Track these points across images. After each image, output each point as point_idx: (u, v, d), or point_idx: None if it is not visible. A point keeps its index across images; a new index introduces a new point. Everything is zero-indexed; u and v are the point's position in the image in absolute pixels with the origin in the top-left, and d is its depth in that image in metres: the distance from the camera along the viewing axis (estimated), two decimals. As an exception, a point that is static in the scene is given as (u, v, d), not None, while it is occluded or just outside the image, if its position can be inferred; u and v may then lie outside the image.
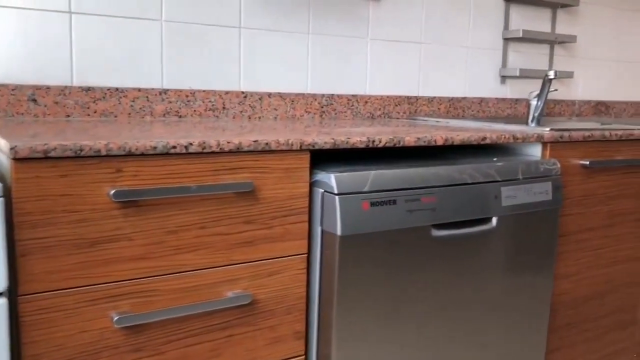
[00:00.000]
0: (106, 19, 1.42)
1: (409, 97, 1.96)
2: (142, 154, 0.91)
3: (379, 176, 1.09)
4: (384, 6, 1.87)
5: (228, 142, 0.97)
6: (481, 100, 2.14)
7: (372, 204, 1.07)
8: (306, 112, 1.75)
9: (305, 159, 1.07)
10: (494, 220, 1.27)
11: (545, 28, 2.30)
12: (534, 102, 2.01)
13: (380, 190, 1.09)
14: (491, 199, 1.25)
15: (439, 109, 2.03)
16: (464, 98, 2.09)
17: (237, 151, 0.99)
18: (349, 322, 1.09)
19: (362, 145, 1.12)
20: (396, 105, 1.93)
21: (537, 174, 1.34)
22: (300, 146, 1.05)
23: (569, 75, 2.28)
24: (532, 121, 2.03)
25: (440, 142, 1.23)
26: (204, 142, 0.95)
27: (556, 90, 2.01)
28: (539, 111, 2.01)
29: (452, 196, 1.18)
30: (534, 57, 2.28)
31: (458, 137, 1.26)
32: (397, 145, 1.17)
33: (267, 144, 1.01)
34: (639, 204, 1.68)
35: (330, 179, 1.05)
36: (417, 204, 1.13)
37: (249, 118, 1.65)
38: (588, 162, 1.49)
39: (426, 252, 1.17)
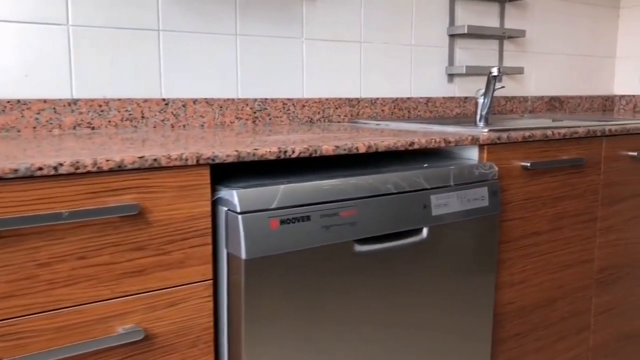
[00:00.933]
0: (2, 25, 1.30)
1: (350, 99, 1.86)
2: (1, 179, 0.79)
3: (289, 190, 0.99)
4: (319, 4, 1.77)
5: (107, 161, 0.86)
6: (428, 100, 2.05)
7: (282, 222, 0.97)
8: (237, 118, 1.65)
9: (205, 174, 0.97)
10: (425, 231, 1.18)
11: (494, 23, 2.23)
12: (480, 101, 1.93)
13: (291, 205, 0.99)
14: (419, 208, 1.16)
15: (382, 110, 1.94)
16: (409, 98, 2.00)
17: (119, 170, 0.88)
18: (260, 353, 0.99)
19: (273, 157, 1.02)
20: (336, 108, 1.84)
21: (471, 179, 1.25)
22: (197, 161, 0.94)
23: (519, 71, 2.21)
24: (480, 120, 1.95)
25: (362, 150, 1.13)
26: (78, 162, 0.84)
27: (503, 87, 1.94)
28: (486, 109, 1.93)
29: (375, 208, 1.09)
30: (482, 54, 2.20)
31: (383, 144, 1.17)
32: (313, 155, 1.07)
33: (155, 159, 0.90)
34: (586, 205, 1.61)
35: (233, 196, 0.95)
36: (335, 219, 1.03)
37: (172, 127, 1.53)
38: (529, 164, 1.41)
39: (349, 270, 1.08)
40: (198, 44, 1.57)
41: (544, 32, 2.39)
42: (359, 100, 1.88)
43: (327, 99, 1.81)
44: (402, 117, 2.00)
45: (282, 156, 1.03)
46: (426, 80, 2.06)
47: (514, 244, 1.45)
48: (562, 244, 1.56)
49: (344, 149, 1.11)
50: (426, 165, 1.24)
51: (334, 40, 1.82)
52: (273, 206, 0.97)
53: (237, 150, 0.98)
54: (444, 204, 1.19)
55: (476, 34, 2.08)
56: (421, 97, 2.03)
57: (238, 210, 0.94)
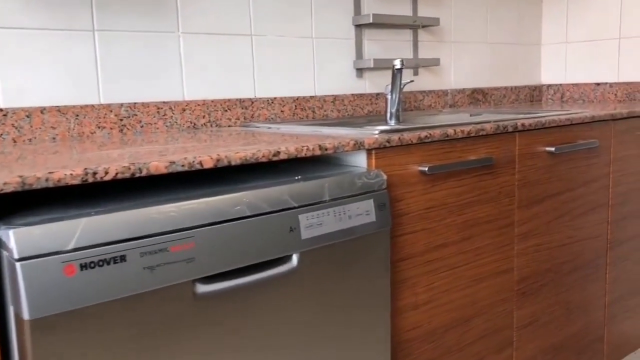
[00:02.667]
0: None
1: (241, 100, 1.65)
2: None
3: (94, 224, 0.77)
4: (198, -7, 1.55)
5: None
6: (335, 98, 1.86)
7: (83, 267, 0.75)
8: (99, 127, 1.41)
9: (-26, 210, 0.74)
10: (295, 258, 0.98)
11: (406, 11, 2.05)
12: (389, 97, 1.75)
13: (97, 244, 0.77)
14: (285, 232, 0.95)
15: (282, 111, 1.74)
16: (312, 97, 1.80)
17: None
18: None
19: (76, 181, 0.80)
20: (226, 111, 1.62)
21: (352, 192, 1.06)
22: (-43, 194, 0.71)
23: (435, 62, 2.05)
24: (390, 118, 1.77)
25: (208, 165, 0.92)
26: None
27: (412, 81, 1.76)
28: (395, 106, 1.75)
29: (221, 238, 0.88)
30: (394, 45, 2.03)
31: (237, 156, 0.96)
32: (137, 175, 0.85)
33: None
34: (501, 209, 1.44)
35: (9, 236, 0.72)
36: (162, 256, 0.82)
37: (15, 142, 1.29)
38: (427, 168, 1.23)
39: (190, 317, 0.86)
40: (43, 43, 1.32)
41: (462, 20, 2.23)
42: (252, 101, 1.67)
43: (213, 101, 1.59)
44: (306, 117, 1.80)
45: (90, 179, 0.81)
46: (332, 76, 1.86)
47: (417, 260, 1.27)
48: (475, 255, 1.39)
49: (182, 165, 0.89)
50: (299, 177, 1.04)
51: (218, 33, 1.61)
52: (70, 247, 0.75)
53: (20, 177, 0.76)
54: (317, 223, 0.99)
55: (386, 23, 1.90)
56: (327, 95, 1.84)
57: (16, 255, 0.71)
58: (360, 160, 1.19)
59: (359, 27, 1.91)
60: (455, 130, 1.29)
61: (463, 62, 2.26)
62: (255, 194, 0.93)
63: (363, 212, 1.06)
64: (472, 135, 1.33)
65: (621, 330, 1.91)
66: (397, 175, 1.20)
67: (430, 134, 1.24)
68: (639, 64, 2.26)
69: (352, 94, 1.90)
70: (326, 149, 1.07)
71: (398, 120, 1.77)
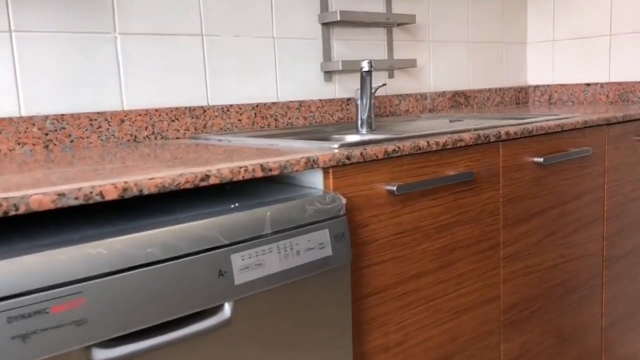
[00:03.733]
0: None
1: (191, 109, 1.46)
2: None
3: (-61, 284, 0.58)
4: (138, -12, 1.37)
5: None
6: (300, 104, 1.67)
7: None
8: (19, 144, 1.22)
9: None
10: (227, 307, 0.80)
11: (379, 8, 1.87)
12: (360, 102, 1.57)
13: (-58, 310, 0.58)
14: (213, 277, 0.77)
15: (239, 120, 1.55)
16: (274, 104, 1.62)
17: None
18: None
19: None
20: (172, 121, 1.43)
21: (302, 222, 0.87)
22: None
23: (412, 63, 1.87)
24: (361, 126, 1.59)
25: (111, 196, 0.73)
26: None
27: (384, 84, 1.58)
28: (366, 112, 1.57)
29: (124, 290, 0.69)
30: (367, 45, 1.85)
31: (152, 183, 0.77)
32: (10, 214, 0.66)
33: None
34: (484, 230, 1.26)
35: None
36: (40, 320, 0.63)
37: None
38: (395, 187, 1.05)
39: (86, 392, 0.67)
40: (-53, 46, 1.13)
41: (440, 17, 2.06)
42: (204, 109, 1.48)
43: (157, 110, 1.40)
44: (268, 126, 1.61)
45: (-58, 222, 0.62)
46: (297, 80, 1.68)
47: (387, 295, 1.09)
48: (455, 284, 1.21)
49: (75, 198, 0.70)
50: (235, 205, 0.85)
51: (163, 34, 1.42)
52: None
53: None
54: (255, 264, 0.81)
55: (356, 21, 1.72)
56: (291, 101, 1.65)
57: None
58: (316, 180, 1.01)
59: (326, 25, 1.73)
60: (428, 142, 1.11)
61: (443, 62, 2.09)
62: (172, 231, 0.74)
63: (316, 245, 0.88)
64: (448, 147, 1.15)
65: (621, 356, 1.74)
66: (361, 196, 1.02)
67: (398, 148, 1.06)
68: (632, 62, 2.09)
69: (320, 100, 1.72)
70: (270, 170, 0.89)
71: (370, 128, 1.59)
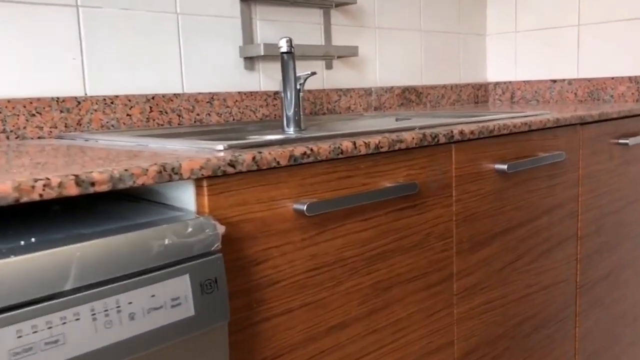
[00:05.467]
0: None
1: (60, 100, 1.13)
2: None
3: None
4: (-18, -62, 1.03)
5: None
6: (212, 97, 1.36)
7: None
8: None
9: None
10: (-10, 420, 0.47)
11: (315, -14, 1.58)
12: (284, 95, 1.27)
13: None
14: (-48, 374, 0.44)
15: (129, 116, 1.22)
16: (178, 96, 1.30)
17: None
18: None
19: None
20: (33, 116, 1.09)
21: (142, 265, 0.56)
22: None
23: (352, 52, 1.58)
24: (288, 125, 1.29)
25: None
26: None
27: (314, 73, 1.28)
28: (292, 108, 1.27)
29: None
30: (300, 29, 1.54)
31: None
32: None
33: None
34: (429, 258, 0.97)
35: None
36: None
37: None
38: (306, 207, 0.75)
39: None
40: None
41: (388, 0, 1.77)
42: (79, 101, 1.15)
43: (10, 102, 1.06)
44: (169, 124, 1.29)
45: None
46: (209, 67, 1.36)
47: (295, 356, 0.78)
48: (393, 333, 0.92)
49: None
50: (27, 242, 0.53)
51: (22, 1, 1.08)
52: None
53: None
54: (47, 341, 0.49)
55: (284, -2, 1.42)
56: (201, 94, 1.33)
57: None
58: (187, 198, 0.69)
59: (246, 1, 1.41)
60: (355, 144, 0.81)
61: (391, 53, 1.80)
62: None
63: (165, 302, 0.56)
64: (383, 150, 0.85)
65: (594, 396, 1.47)
66: (255, 220, 0.71)
67: (311, 151, 0.75)
68: (602, 56, 1.85)
69: (240, 92, 1.41)
70: (92, 184, 0.57)
71: (299, 127, 1.29)
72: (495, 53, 2.12)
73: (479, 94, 2.10)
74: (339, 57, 1.61)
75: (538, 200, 1.20)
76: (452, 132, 0.97)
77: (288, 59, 1.18)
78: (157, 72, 1.27)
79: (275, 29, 1.48)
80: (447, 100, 1.98)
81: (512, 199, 1.13)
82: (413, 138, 0.90)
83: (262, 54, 1.35)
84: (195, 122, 1.33)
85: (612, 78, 1.84)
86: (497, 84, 2.12)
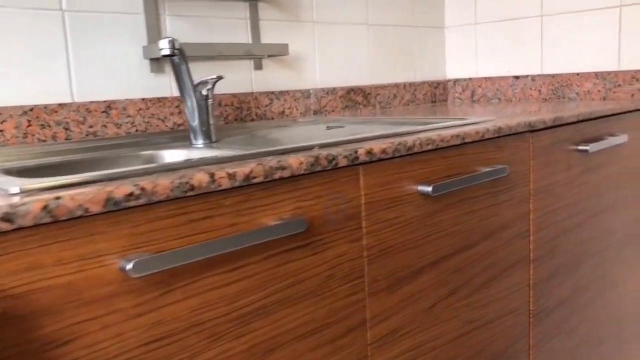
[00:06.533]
0: None
1: None
2: None
3: None
4: None
5: None
6: (109, 106, 1.18)
7: None
8: None
9: None
10: None
11: (239, -24, 1.40)
12: (189, 103, 1.10)
13: None
14: None
15: (1, 131, 1.05)
16: (64, 106, 1.12)
17: None
18: None
19: None
20: None
21: None
22: None
23: (281, 50, 1.40)
24: (195, 138, 1.11)
25: None
26: None
27: (219, 78, 1.10)
28: (196, 118, 1.09)
29: None
30: (224, 25, 1.36)
31: None
32: None
33: None
34: (329, 307, 0.80)
35: None
36: None
37: None
38: (132, 265, 0.57)
39: None
40: None
41: (329, -9, 1.60)
42: None
43: None
44: (53, 139, 1.11)
45: None
46: (105, 70, 1.18)
47: None
48: (282, 402, 0.75)
49: None
50: None
51: None
52: None
53: None
54: None
55: (196, -10, 1.24)
56: (94, 102, 1.16)
57: None
58: (-40, 260, 0.52)
59: (150, -5, 1.23)
60: (214, 177, 0.64)
61: (334, 51, 1.62)
62: None
63: None
64: (257, 181, 0.68)
65: None
66: (56, 288, 0.54)
67: (143, 191, 0.58)
68: (567, 50, 1.69)
69: (144, 99, 1.23)
70: None
71: (209, 140, 1.11)
72: (454, 47, 1.95)
73: (436, 93, 1.93)
74: (269, 56, 1.44)
75: (477, 222, 1.04)
76: (356, 152, 0.79)
77: (180, 62, 1.00)
78: (38, 80, 1.09)
79: (190, 25, 1.30)
80: (399, 100, 1.81)
81: (443, 224, 0.97)
82: (301, 163, 0.72)
83: (168, 54, 1.17)
84: (87, 135, 1.15)
85: (578, 74, 1.67)
86: (456, 81, 1.95)
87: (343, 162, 0.78)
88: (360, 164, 0.82)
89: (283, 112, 1.49)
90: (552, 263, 1.25)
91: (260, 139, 1.19)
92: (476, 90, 1.90)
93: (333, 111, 1.61)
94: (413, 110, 1.67)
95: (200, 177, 0.63)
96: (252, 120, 1.43)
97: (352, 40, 1.67)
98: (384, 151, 0.83)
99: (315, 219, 0.76)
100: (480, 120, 1.11)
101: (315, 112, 1.56)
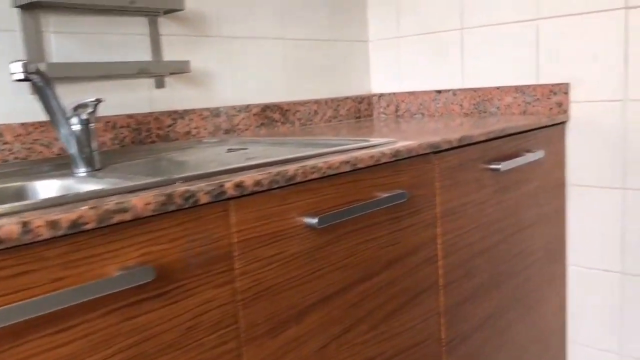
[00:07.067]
0: None
1: None
2: None
3: None
4: None
5: None
6: (-20, 133, 1.07)
7: None
8: None
9: None
10: None
11: (136, -11, 1.30)
12: (63, 131, 1.00)
13: None
14: None
15: None
16: None
17: None
18: None
19: None
20: None
21: None
22: None
23: (181, 67, 1.32)
24: (76, 165, 1.02)
25: None
26: None
27: (99, 100, 1.01)
28: (74, 146, 1.00)
29: None
30: (119, 41, 1.27)
31: None
32: None
33: None
34: (197, 361, 0.72)
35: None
36: None
37: None
38: None
39: None
40: None
41: (238, 5, 1.52)
42: None
43: None
44: None
45: None
46: (-24, 94, 1.07)
47: None
48: None
49: None
50: None
51: None
52: None
53: None
54: None
55: (84, 4, 1.15)
56: (-37, 128, 1.05)
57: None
58: None
59: (30, 11, 1.13)
60: (27, 225, 0.55)
61: (247, 67, 1.55)
62: None
63: None
64: (88, 228, 0.59)
65: None
66: None
67: None
68: (488, 63, 1.66)
69: (24, 124, 1.12)
70: None
71: (93, 168, 1.02)
72: (379, 61, 1.90)
73: (361, 108, 1.88)
74: (172, 73, 1.35)
75: (377, 251, 0.98)
76: (222, 187, 0.72)
77: (44, 85, 0.90)
78: None
79: (80, 43, 1.21)
80: (321, 117, 1.74)
81: (335, 257, 0.90)
82: (147, 204, 0.64)
83: (21, 78, 1.07)
84: (-47, 166, 1.04)
85: (498, 88, 1.64)
86: (381, 95, 1.90)
87: (205, 199, 0.70)
88: (230, 198, 0.74)
89: (189, 132, 1.40)
90: (466, 287, 1.20)
91: (149, 165, 1.10)
92: (400, 105, 1.85)
93: (247, 130, 1.53)
94: (335, 126, 1.61)
95: (10, 229, 0.54)
96: (153, 142, 1.33)
97: (267, 56, 1.60)
98: (258, 183, 0.76)
99: (171, 265, 0.68)
100: (382, 142, 1.05)
101: (226, 132, 1.48)
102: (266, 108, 1.58)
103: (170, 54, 1.37)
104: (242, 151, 1.19)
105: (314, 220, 0.83)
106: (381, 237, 0.98)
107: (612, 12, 1.44)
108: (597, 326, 1.58)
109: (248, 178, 0.75)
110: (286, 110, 1.64)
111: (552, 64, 1.55)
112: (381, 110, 1.91)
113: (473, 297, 1.22)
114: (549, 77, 1.56)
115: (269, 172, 0.78)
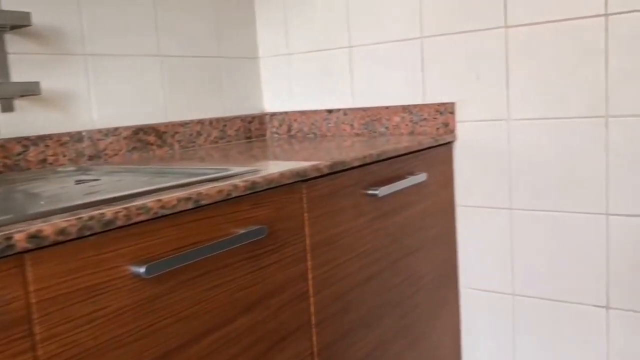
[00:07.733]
0: None
1: None
2: None
3: None
4: None
5: None
6: None
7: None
8: None
9: None
10: None
11: (-25, 1, 1.16)
12: None
13: None
14: None
15: None
16: None
17: None
18: None
19: None
20: None
21: None
22: None
23: (30, 89, 1.18)
24: None
25: None
26: None
27: None
28: None
29: None
30: (-54, 60, 1.12)
31: None
32: None
33: None
34: None
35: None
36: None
37: None
38: None
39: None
40: None
41: (105, 21, 1.40)
42: None
43: None
44: None
45: None
46: None
47: None
48: None
49: None
50: None
51: None
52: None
53: None
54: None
55: None
56: None
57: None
58: None
59: None
60: None
61: (116, 86, 1.42)
62: None
63: None
64: None
65: None
66: None
67: None
68: (376, 82, 1.61)
69: None
70: None
71: None
72: (271, 79, 1.82)
73: (252, 128, 1.79)
74: (22, 96, 1.21)
75: (232, 295, 0.88)
76: (11, 239, 0.60)
77: None
78: None
79: None
80: (206, 138, 1.64)
81: (174, 308, 0.80)
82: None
83: None
84: None
85: (387, 107, 1.60)
86: (273, 115, 1.82)
87: (-15, 256, 0.58)
88: (25, 251, 0.63)
89: (45, 160, 1.26)
90: (344, 322, 1.12)
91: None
92: (293, 125, 1.78)
93: (116, 155, 1.41)
94: (222, 148, 1.51)
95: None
96: (0, 172, 1.19)
97: (141, 74, 1.48)
98: (62, 232, 0.65)
99: None
100: (242, 171, 0.96)
101: (90, 158, 1.35)
102: (139, 131, 1.46)
103: (22, 74, 1.23)
104: (91, 183, 1.06)
105: (142, 270, 0.73)
106: (237, 278, 0.89)
107: (493, 31, 1.42)
108: (492, 348, 1.56)
109: (49, 227, 0.64)
110: (163, 132, 1.52)
111: (437, 82, 1.52)
112: (274, 130, 1.82)
113: (352, 331, 1.15)
114: (434, 97, 1.53)
115: (80, 217, 0.67)
